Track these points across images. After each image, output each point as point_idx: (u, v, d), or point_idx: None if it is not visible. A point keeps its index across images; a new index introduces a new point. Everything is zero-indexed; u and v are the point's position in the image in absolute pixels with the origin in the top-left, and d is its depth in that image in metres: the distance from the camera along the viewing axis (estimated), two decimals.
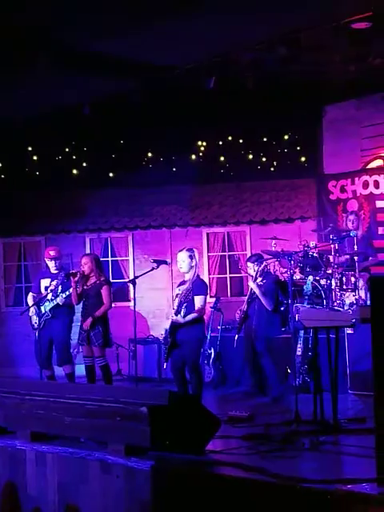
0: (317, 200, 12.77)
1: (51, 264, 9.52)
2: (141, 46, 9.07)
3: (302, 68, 10.57)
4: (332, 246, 9.61)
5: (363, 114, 12.22)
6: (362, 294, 9.45)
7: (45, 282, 9.55)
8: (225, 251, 13.09)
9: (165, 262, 8.71)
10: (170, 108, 11.59)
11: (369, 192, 11.96)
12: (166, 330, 7.79)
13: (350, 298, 9.37)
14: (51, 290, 9.37)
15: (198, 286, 7.70)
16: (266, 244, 10.99)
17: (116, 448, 4.99)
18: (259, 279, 8.95)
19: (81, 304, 8.98)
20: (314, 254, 9.96)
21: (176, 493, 4.59)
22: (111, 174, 13.11)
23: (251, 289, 9.00)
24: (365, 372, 8.17)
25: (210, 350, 10.44)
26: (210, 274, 12.94)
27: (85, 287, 8.91)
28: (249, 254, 11.55)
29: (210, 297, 11.80)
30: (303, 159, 12.83)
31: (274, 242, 10.43)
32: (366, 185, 11.98)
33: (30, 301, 9.68)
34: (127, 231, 13.19)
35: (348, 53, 10.03)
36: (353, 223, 10.31)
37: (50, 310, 9.33)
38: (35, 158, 13.10)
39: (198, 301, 7.66)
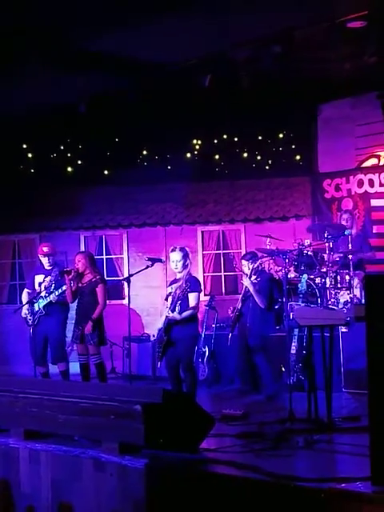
0: (311, 198, 12.77)
1: (45, 260, 9.52)
2: (136, 43, 9.07)
3: (297, 66, 10.58)
4: (327, 244, 9.61)
5: (358, 113, 12.22)
6: (357, 292, 9.47)
7: (39, 278, 9.56)
8: (219, 249, 13.09)
9: (160, 260, 8.70)
10: (165, 106, 11.57)
11: (363, 191, 11.97)
12: (159, 329, 7.78)
13: (344, 296, 9.38)
14: (45, 287, 9.36)
15: (192, 284, 7.70)
16: (260, 242, 10.98)
17: (110, 446, 4.99)
18: (253, 277, 8.94)
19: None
20: (309, 253, 9.96)
21: (170, 491, 4.59)
22: (106, 172, 13.10)
23: (245, 287, 9.00)
24: (359, 370, 8.18)
25: (205, 348, 10.44)
26: (204, 272, 12.94)
27: (80, 285, 8.90)
28: (243, 252, 11.54)
29: (205, 295, 11.80)
30: (298, 158, 12.83)
31: (268, 240, 10.43)
32: (360, 183, 12.00)
33: (25, 297, 9.69)
34: (122, 229, 13.18)
35: (343, 51, 10.04)
36: (347, 222, 10.32)
37: (43, 307, 9.32)
38: (30, 155, 13.09)
39: (193, 298, 7.66)
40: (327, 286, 9.44)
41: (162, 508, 4.60)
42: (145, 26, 8.52)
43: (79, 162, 13.13)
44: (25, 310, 9.46)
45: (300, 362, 8.97)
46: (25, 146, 13.04)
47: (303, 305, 8.96)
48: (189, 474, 4.65)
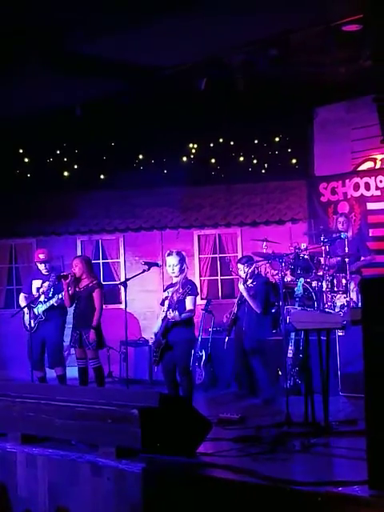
0: (308, 202, 12.78)
1: (42, 267, 9.54)
2: (132, 47, 9.07)
3: (293, 70, 10.59)
4: (323, 248, 9.63)
5: (354, 116, 12.24)
6: (353, 296, 9.48)
7: (36, 283, 9.57)
8: (216, 253, 13.09)
9: (156, 264, 8.71)
10: (161, 110, 11.59)
11: (360, 194, 11.98)
12: (156, 334, 7.77)
13: (341, 300, 9.39)
14: (43, 292, 9.37)
15: (189, 288, 7.70)
16: (257, 246, 11.00)
17: (107, 450, 4.98)
18: (249, 281, 8.95)
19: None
20: (305, 256, 9.97)
21: (167, 495, 4.59)
22: (102, 176, 13.11)
23: (241, 291, 9.00)
24: (356, 374, 8.18)
25: (201, 352, 10.44)
26: (201, 276, 12.94)
27: (77, 289, 8.90)
28: (240, 256, 11.55)
29: (201, 299, 11.80)
30: (294, 161, 12.85)
31: (264, 243, 10.44)
32: (356, 187, 12.01)
33: (22, 301, 9.69)
34: (118, 233, 13.17)
35: (339, 55, 10.05)
36: (343, 225, 10.34)
37: (43, 312, 9.32)
38: (26, 160, 13.09)
39: (190, 302, 7.66)
40: (324, 289, 9.45)
41: None
42: (141, 29, 8.52)
43: (75, 167, 13.13)
44: (26, 316, 9.45)
45: (297, 365, 8.97)
46: (21, 151, 13.05)
47: (300, 308, 8.97)
48: (186, 478, 4.65)
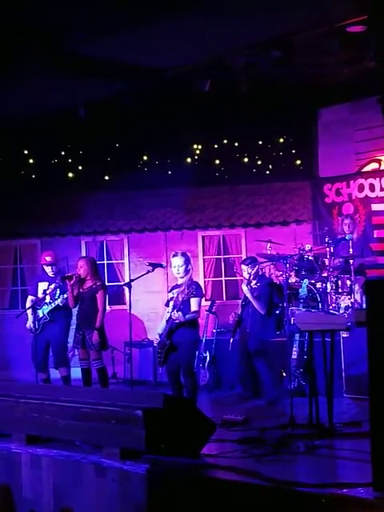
0: (312, 203, 12.77)
1: (48, 269, 9.57)
2: (136, 48, 9.07)
3: (297, 71, 10.59)
4: (327, 249, 9.62)
5: (358, 117, 12.23)
6: (358, 297, 9.47)
7: (43, 286, 9.58)
8: (220, 254, 13.09)
9: (160, 265, 8.71)
10: (166, 111, 11.59)
11: (364, 195, 11.98)
12: (160, 335, 7.77)
13: (345, 301, 9.38)
14: (49, 294, 9.38)
15: (194, 289, 7.70)
16: (261, 247, 10.99)
17: (111, 451, 4.99)
18: (253, 282, 8.95)
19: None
20: (310, 258, 9.96)
21: (171, 496, 4.59)
22: (106, 177, 13.11)
23: (245, 292, 9.00)
24: (360, 375, 8.17)
25: (205, 353, 10.44)
26: (205, 277, 12.94)
27: (81, 290, 8.91)
28: (244, 257, 11.54)
29: (206, 300, 11.80)
30: (298, 162, 12.84)
31: (269, 245, 10.44)
32: (361, 188, 12.00)
33: (29, 304, 9.68)
34: (122, 234, 13.18)
35: (343, 56, 10.06)
36: (349, 227, 10.33)
37: (48, 313, 9.33)
38: (31, 161, 13.09)
39: (195, 303, 7.66)
40: (328, 290, 9.44)
41: None
42: (144, 30, 8.52)
43: (80, 168, 13.14)
44: (29, 320, 9.46)
45: (301, 367, 8.97)
46: (26, 152, 13.06)
47: (304, 310, 8.96)
48: (190, 479, 4.65)
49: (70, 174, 13.12)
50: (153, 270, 8.51)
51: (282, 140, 12.82)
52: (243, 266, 9.16)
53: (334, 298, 9.42)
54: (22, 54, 8.96)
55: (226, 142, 12.93)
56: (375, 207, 11.85)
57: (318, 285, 9.60)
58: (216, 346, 10.48)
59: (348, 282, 9.44)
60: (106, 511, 4.87)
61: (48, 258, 9.58)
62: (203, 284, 12.50)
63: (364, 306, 9.50)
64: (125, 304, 12.14)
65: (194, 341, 7.78)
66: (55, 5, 7.77)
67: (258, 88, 11.06)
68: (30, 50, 8.91)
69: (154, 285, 12.31)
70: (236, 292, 12.64)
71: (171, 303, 7.77)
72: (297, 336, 8.98)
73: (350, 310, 9.11)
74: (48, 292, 9.41)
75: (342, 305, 9.35)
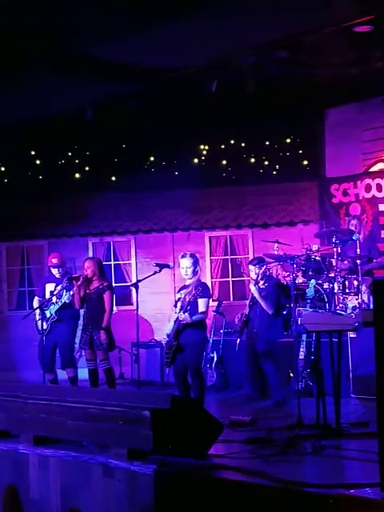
0: (319, 203, 12.77)
1: (55, 271, 9.58)
2: (142, 49, 9.08)
3: (304, 71, 10.58)
4: (334, 249, 9.61)
5: (365, 118, 12.22)
6: (365, 297, 9.46)
7: (50, 287, 9.60)
8: (227, 255, 13.09)
9: (167, 266, 8.71)
10: (172, 112, 11.60)
11: (371, 195, 11.96)
12: (168, 335, 7.77)
13: (352, 301, 9.37)
14: (55, 295, 9.40)
15: (202, 289, 7.70)
16: (268, 247, 10.99)
17: (118, 452, 4.99)
18: (261, 282, 8.95)
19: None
20: (317, 258, 9.96)
21: (178, 497, 4.59)
22: (113, 178, 13.12)
23: (253, 292, 9.00)
24: (367, 376, 8.16)
25: (213, 353, 10.44)
26: (212, 278, 12.94)
27: (87, 291, 8.92)
28: (251, 258, 11.54)
29: (213, 301, 11.79)
30: (305, 163, 12.84)
31: (276, 245, 10.44)
32: (368, 188, 11.99)
33: (36, 305, 9.70)
34: (129, 235, 13.20)
35: (350, 56, 10.04)
36: (356, 227, 10.32)
37: (55, 312, 9.35)
38: (38, 162, 13.12)
39: (202, 303, 7.65)
40: (335, 291, 9.44)
41: None
42: (151, 32, 8.53)
43: (87, 169, 13.16)
44: (37, 318, 9.47)
45: (308, 367, 8.96)
46: (33, 153, 13.08)
47: (311, 310, 8.94)
48: (197, 479, 4.65)
49: (77, 175, 13.14)
50: (160, 271, 8.51)
51: (288, 140, 12.82)
52: (251, 267, 9.16)
53: (341, 298, 9.41)
54: (30, 56, 8.99)
55: (232, 142, 12.93)
56: (382, 207, 11.84)
57: (325, 285, 9.59)
58: (223, 347, 10.48)
59: (355, 283, 9.43)
60: (114, 511, 4.87)
61: (54, 260, 9.59)
62: (210, 284, 12.50)
63: (371, 306, 9.49)
64: (132, 305, 12.16)
65: (201, 341, 7.78)
66: (63, 7, 7.79)
67: (265, 88, 11.05)
68: (38, 52, 8.94)
69: (160, 285, 12.32)
70: (243, 292, 12.65)
71: (179, 304, 7.77)
72: (304, 336, 8.98)
73: (357, 310, 9.10)
74: (55, 293, 9.42)
75: (349, 305, 9.34)
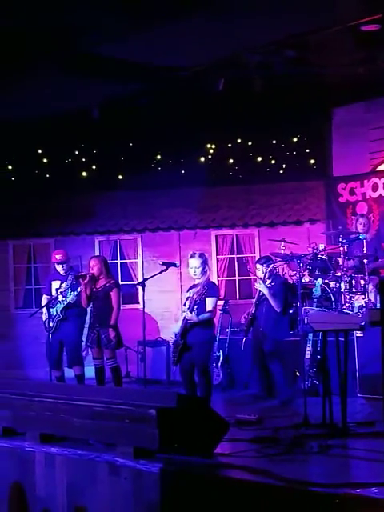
0: (326, 202, 12.75)
1: (59, 267, 9.59)
2: (150, 48, 9.08)
3: (311, 70, 10.57)
4: (341, 248, 9.60)
5: (372, 116, 12.20)
6: (372, 296, 9.44)
7: (55, 284, 9.62)
8: (233, 254, 13.09)
9: (174, 265, 8.72)
10: (179, 110, 11.60)
11: (378, 194, 11.94)
12: (176, 334, 7.78)
13: (359, 300, 9.35)
14: (61, 292, 9.41)
15: (210, 289, 7.71)
16: (274, 246, 10.98)
17: (124, 450, 4.99)
18: (268, 281, 8.94)
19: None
20: (323, 257, 9.95)
21: (184, 495, 4.59)
22: (120, 177, 13.12)
23: (259, 291, 8.99)
24: (374, 375, 8.15)
25: (219, 352, 10.45)
26: (218, 277, 12.93)
27: (94, 289, 8.93)
28: (257, 257, 11.54)
29: (219, 299, 11.79)
30: (312, 162, 12.82)
31: (282, 244, 10.43)
32: (375, 187, 11.97)
33: (45, 302, 9.71)
34: (136, 233, 13.20)
35: (357, 55, 10.02)
36: (363, 227, 10.30)
37: (61, 311, 9.36)
38: (45, 160, 13.13)
39: (210, 302, 7.67)
40: (342, 290, 9.43)
41: None
42: (158, 31, 8.53)
43: (93, 167, 13.16)
44: (44, 317, 9.49)
45: (314, 366, 8.95)
46: (40, 151, 13.10)
47: (318, 309, 8.94)
48: (203, 478, 4.65)
49: (84, 174, 13.14)
50: (166, 270, 8.53)
51: (295, 139, 12.80)
52: (258, 265, 9.16)
53: (348, 297, 9.40)
54: (37, 56, 9.00)
55: (239, 141, 12.92)
56: None
57: (332, 284, 9.58)
58: (229, 346, 10.48)
59: (362, 282, 9.42)
60: (120, 510, 4.88)
61: (58, 257, 9.60)
62: (216, 283, 12.49)
63: (378, 305, 9.48)
64: (138, 303, 12.16)
65: (208, 340, 7.79)
66: (70, 6, 7.80)
67: (272, 87, 11.04)
68: (45, 52, 8.95)
69: (167, 284, 12.32)
70: (249, 291, 12.63)
71: (187, 303, 7.78)
72: (310, 336, 8.97)
73: (363, 309, 9.08)
74: (60, 291, 9.44)
75: (356, 304, 9.33)
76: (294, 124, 12.47)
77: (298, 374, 9.07)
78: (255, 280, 9.62)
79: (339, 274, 9.62)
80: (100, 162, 13.15)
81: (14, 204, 12.88)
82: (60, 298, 9.39)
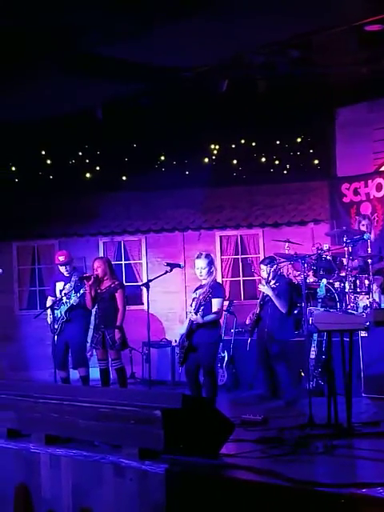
0: (330, 203, 12.75)
1: (63, 269, 9.59)
2: (153, 49, 9.09)
3: (315, 70, 10.57)
4: (345, 248, 9.59)
5: (376, 116, 12.20)
6: (376, 296, 9.44)
7: (59, 286, 9.62)
8: (238, 254, 13.09)
9: (178, 266, 8.72)
10: (183, 111, 11.61)
11: (382, 194, 11.94)
12: (182, 335, 7.78)
13: (363, 300, 9.35)
14: (65, 294, 9.42)
15: (216, 289, 7.71)
16: (279, 247, 10.98)
17: (130, 451, 4.99)
18: (272, 282, 8.93)
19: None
20: (328, 257, 9.94)
21: (190, 496, 4.59)
22: (124, 178, 13.14)
23: (265, 291, 8.98)
24: (379, 375, 8.15)
25: (224, 353, 10.44)
26: (223, 277, 12.93)
27: (98, 291, 8.93)
28: (262, 257, 11.54)
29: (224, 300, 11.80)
30: (316, 162, 12.82)
31: (287, 244, 10.43)
32: (379, 187, 11.96)
33: (49, 304, 9.72)
34: (140, 234, 13.21)
35: (361, 55, 10.02)
36: (366, 227, 10.30)
37: (65, 312, 9.37)
38: (48, 161, 13.15)
39: (216, 303, 7.66)
40: (346, 290, 9.42)
41: None
42: (161, 31, 8.54)
43: (97, 168, 13.18)
44: (49, 318, 9.50)
45: (319, 366, 8.95)
46: (43, 152, 13.11)
47: (322, 309, 8.94)
48: (209, 478, 4.65)
49: (88, 175, 13.17)
50: (171, 270, 8.53)
51: (299, 140, 12.80)
52: (262, 266, 9.15)
53: (353, 297, 9.40)
54: (40, 56, 9.00)
55: (243, 141, 12.92)
56: None
57: (336, 284, 9.58)
58: (234, 346, 10.48)
59: (366, 282, 9.41)
60: (125, 511, 4.88)
61: (61, 258, 9.60)
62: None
63: (382, 305, 9.48)
64: (142, 304, 12.16)
65: (214, 341, 7.79)
66: (72, 6, 7.81)
67: (276, 88, 11.04)
68: (48, 52, 8.95)
69: (171, 285, 12.33)
70: (254, 292, 12.63)
71: (193, 303, 7.78)
72: (315, 336, 8.96)
73: (368, 309, 9.08)
74: (64, 292, 9.44)
75: (361, 304, 9.32)
76: (297, 124, 12.47)
77: (302, 374, 9.07)
78: (259, 280, 9.62)
79: (344, 274, 9.62)
80: (104, 163, 13.17)
81: (18, 205, 12.91)
82: (64, 299, 9.40)
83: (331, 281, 9.62)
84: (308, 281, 9.53)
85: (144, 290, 10.09)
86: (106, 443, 5.41)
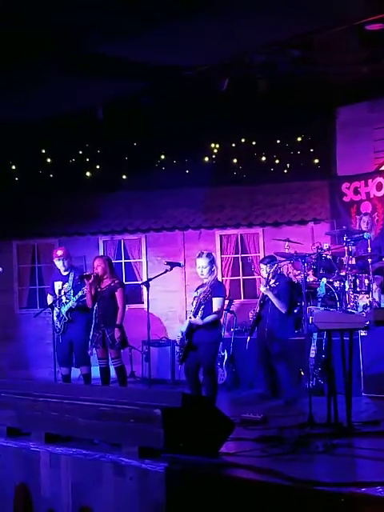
0: (330, 202, 12.75)
1: (59, 264, 9.57)
2: (154, 48, 9.09)
3: (316, 70, 10.57)
4: (345, 248, 9.60)
5: (376, 116, 12.20)
6: (376, 296, 9.44)
7: (58, 285, 9.61)
8: (238, 253, 13.09)
9: (178, 265, 8.72)
10: (183, 110, 11.61)
11: (382, 193, 11.94)
12: (183, 333, 7.78)
13: (363, 300, 9.36)
14: (64, 293, 9.42)
15: (217, 288, 7.70)
16: (279, 246, 10.98)
17: (130, 450, 4.99)
18: (272, 281, 8.93)
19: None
20: (328, 256, 9.95)
21: (190, 495, 4.59)
22: (124, 177, 13.14)
23: (265, 293, 8.98)
24: (379, 375, 8.15)
25: (223, 352, 10.45)
26: (223, 276, 12.93)
27: (98, 289, 8.93)
28: (262, 256, 11.54)
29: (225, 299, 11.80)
30: (316, 161, 12.82)
31: (287, 244, 10.43)
32: (379, 186, 11.96)
33: (50, 302, 9.72)
34: (140, 233, 13.21)
35: (361, 54, 10.02)
36: (367, 225, 10.30)
37: (66, 313, 9.37)
38: (49, 160, 13.15)
39: (217, 303, 7.65)
40: (346, 289, 9.42)
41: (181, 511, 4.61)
42: (162, 30, 8.54)
43: (97, 167, 13.19)
44: (55, 318, 9.50)
45: (319, 366, 8.95)
46: (44, 151, 13.12)
47: (322, 309, 8.94)
48: (208, 477, 4.65)
49: (88, 174, 13.17)
50: (171, 269, 8.53)
51: (299, 139, 12.80)
52: (262, 265, 9.15)
53: (352, 296, 9.40)
54: (41, 55, 9.00)
55: (243, 141, 12.92)
56: None
57: (336, 284, 9.58)
58: (234, 345, 10.48)
59: (366, 281, 9.42)
60: (125, 510, 4.88)
61: (59, 252, 9.59)
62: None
63: (382, 304, 9.49)
64: (142, 303, 12.17)
65: (214, 340, 7.78)
66: (73, 6, 7.81)
67: (276, 87, 11.04)
68: (49, 51, 8.95)
69: (171, 284, 12.33)
70: (254, 291, 12.65)
71: (194, 302, 7.78)
72: (315, 335, 8.97)
73: (368, 308, 9.08)
74: (63, 292, 9.44)
75: (361, 304, 9.33)
76: (298, 123, 12.48)
77: (302, 373, 9.08)
78: (260, 279, 9.62)
79: (343, 273, 9.62)
80: (104, 162, 13.18)
81: (18, 204, 12.91)
82: (63, 299, 9.40)
83: (331, 280, 9.63)
84: (308, 280, 9.53)
85: (144, 288, 10.09)
86: (105, 442, 5.41)
